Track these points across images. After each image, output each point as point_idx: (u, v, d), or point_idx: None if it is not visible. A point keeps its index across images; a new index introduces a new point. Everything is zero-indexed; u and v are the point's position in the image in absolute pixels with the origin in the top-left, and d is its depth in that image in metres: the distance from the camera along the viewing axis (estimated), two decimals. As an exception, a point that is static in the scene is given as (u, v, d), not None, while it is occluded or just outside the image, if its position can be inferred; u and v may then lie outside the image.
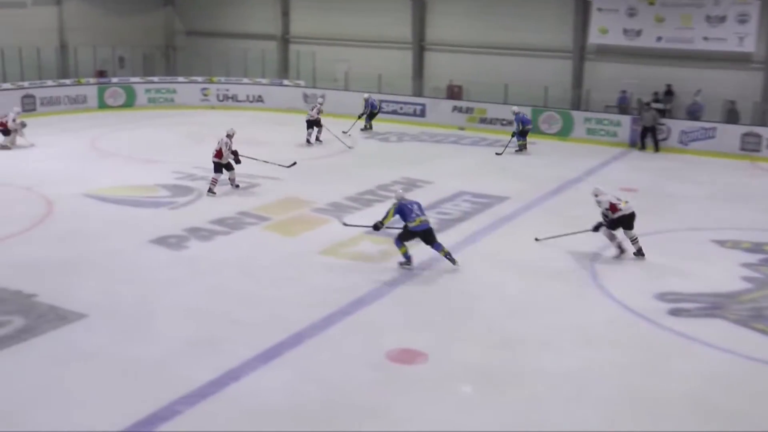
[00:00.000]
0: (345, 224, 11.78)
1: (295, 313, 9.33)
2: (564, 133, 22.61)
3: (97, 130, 21.65)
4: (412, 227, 10.81)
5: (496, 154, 19.95)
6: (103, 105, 25.57)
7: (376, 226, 10.95)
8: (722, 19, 21.42)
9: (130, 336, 8.65)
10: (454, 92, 25.52)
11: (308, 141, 20.37)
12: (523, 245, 12.25)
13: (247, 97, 27.07)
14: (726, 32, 21.46)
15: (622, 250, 11.69)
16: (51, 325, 8.75)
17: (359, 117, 22.60)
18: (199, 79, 27.26)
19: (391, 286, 10.37)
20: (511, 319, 9.44)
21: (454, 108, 24.30)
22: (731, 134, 20.58)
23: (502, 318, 9.48)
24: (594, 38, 23.68)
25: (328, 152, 19.67)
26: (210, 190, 14.74)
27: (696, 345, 8.88)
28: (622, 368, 8.24)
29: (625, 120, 21.96)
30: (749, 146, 20.32)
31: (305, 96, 26.02)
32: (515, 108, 20.73)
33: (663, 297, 10.21)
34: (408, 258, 10.97)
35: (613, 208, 11.44)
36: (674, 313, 9.73)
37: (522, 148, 20.22)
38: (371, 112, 22.81)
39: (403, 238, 10.91)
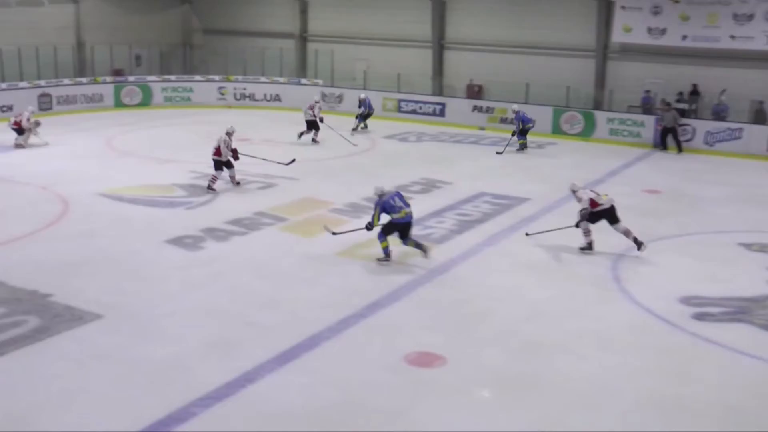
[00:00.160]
0: (334, 233, 11.64)
1: (311, 315, 9.25)
2: (586, 133, 22.36)
3: (113, 129, 21.71)
4: (397, 219, 10.87)
5: (497, 153, 19.82)
6: (119, 104, 25.64)
7: (368, 227, 11.01)
8: (750, 17, 21.02)
9: (145, 337, 8.60)
10: (474, 92, 25.33)
11: (314, 140, 20.40)
12: (544, 247, 12.07)
13: (265, 96, 27.05)
14: (754, 30, 21.04)
15: (590, 246, 11.74)
16: (66, 326, 8.73)
17: (357, 117, 22.49)
18: (216, 77, 27.29)
19: (409, 288, 10.26)
20: (531, 323, 9.31)
21: (474, 108, 24.11)
22: (758, 135, 20.25)
23: (522, 321, 9.35)
24: (617, 37, 23.34)
25: (346, 152, 19.56)
26: (209, 187, 14.87)
27: (721, 350, 8.71)
28: (644, 374, 8.08)
29: (649, 120, 21.66)
30: (777, 147, 19.96)
31: (323, 95, 25.96)
32: (515, 106, 20.67)
33: (687, 301, 10.03)
34: (387, 253, 11.00)
35: (593, 203, 11.60)
36: (699, 317, 9.56)
37: (522, 147, 20.07)
38: (367, 113, 22.58)
39: (386, 232, 10.97)
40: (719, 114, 21.32)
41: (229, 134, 15.22)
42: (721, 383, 7.96)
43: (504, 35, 25.30)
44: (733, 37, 21.36)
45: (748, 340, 8.93)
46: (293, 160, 16.72)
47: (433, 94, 25.41)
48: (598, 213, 11.69)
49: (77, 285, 9.96)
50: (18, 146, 18.65)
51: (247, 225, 12.86)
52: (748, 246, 12.47)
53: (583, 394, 7.63)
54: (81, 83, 25.18)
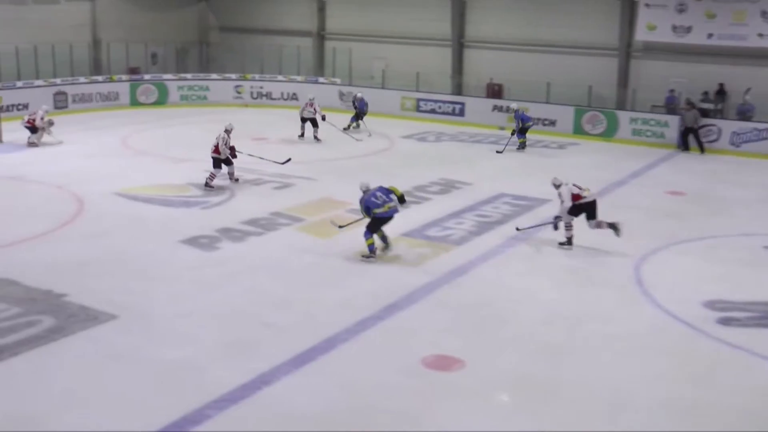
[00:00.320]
0: (340, 227, 11.81)
1: (328, 317, 9.17)
2: (608, 133, 22.06)
3: (129, 128, 21.70)
4: (380, 213, 10.92)
5: (497, 152, 19.65)
6: (135, 102, 25.62)
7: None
8: None
9: (160, 338, 8.54)
10: (494, 91, 25.09)
11: (316, 137, 20.30)
12: (564, 250, 11.87)
13: (282, 94, 26.98)
14: None
15: (570, 242, 11.80)
16: (81, 326, 8.69)
17: (358, 117, 22.26)
18: (233, 76, 27.23)
19: (427, 290, 10.13)
20: (551, 325, 9.18)
21: (494, 107, 23.88)
22: (786, 135, 19.87)
23: (542, 324, 9.22)
24: (641, 35, 22.99)
25: (364, 152, 19.43)
26: (207, 184, 14.93)
27: (747, 356, 8.54)
28: (667, 379, 7.93)
29: (673, 120, 21.29)
30: (806, 148, 19.58)
31: (341, 94, 25.82)
32: (514, 105, 20.51)
33: (712, 305, 9.85)
34: (372, 250, 11.00)
35: (576, 197, 11.62)
36: (724, 322, 9.39)
37: (522, 147, 19.91)
38: (362, 111, 22.33)
39: (372, 229, 11.02)
40: (744, 114, 20.95)
41: (227, 132, 15.27)
42: (746, 389, 7.78)
43: (525, 33, 25.02)
44: (761, 35, 20.95)
45: (775, 346, 8.73)
46: (289, 159, 16.68)
47: (453, 94, 25.22)
48: (580, 206, 11.66)
49: (92, 285, 9.91)
50: (31, 144, 18.69)
51: (263, 225, 12.77)
52: (776, 249, 12.23)
53: (603, 398, 7.52)
54: (97, 81, 25.21)
